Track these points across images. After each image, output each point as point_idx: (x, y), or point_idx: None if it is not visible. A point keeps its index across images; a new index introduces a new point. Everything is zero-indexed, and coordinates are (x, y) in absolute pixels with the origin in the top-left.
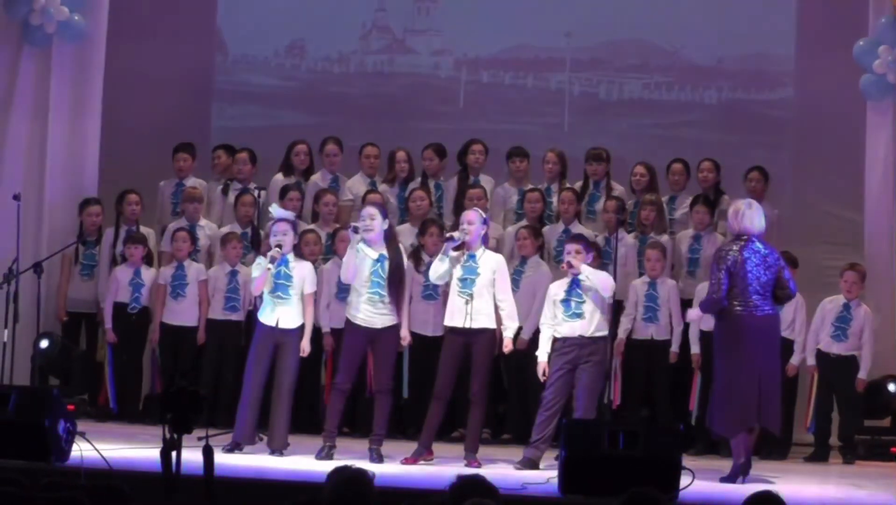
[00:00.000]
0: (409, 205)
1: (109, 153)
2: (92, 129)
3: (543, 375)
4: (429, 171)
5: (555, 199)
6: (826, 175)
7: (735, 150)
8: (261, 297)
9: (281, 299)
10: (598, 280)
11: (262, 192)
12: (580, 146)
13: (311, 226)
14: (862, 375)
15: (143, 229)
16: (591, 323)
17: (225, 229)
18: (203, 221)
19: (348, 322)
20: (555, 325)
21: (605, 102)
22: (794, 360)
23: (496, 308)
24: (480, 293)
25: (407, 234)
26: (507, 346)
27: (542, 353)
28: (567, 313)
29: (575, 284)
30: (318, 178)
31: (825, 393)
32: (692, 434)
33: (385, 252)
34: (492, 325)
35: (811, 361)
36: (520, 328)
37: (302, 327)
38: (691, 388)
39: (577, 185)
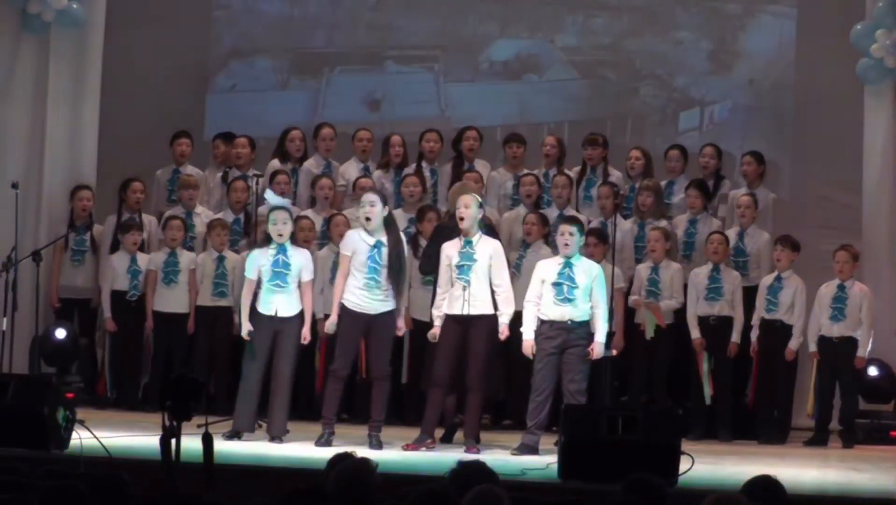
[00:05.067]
0: (402, 190)
1: (107, 141)
2: (90, 118)
3: (531, 352)
4: (430, 155)
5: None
6: (824, 159)
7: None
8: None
9: (279, 288)
10: (589, 266)
11: (260, 180)
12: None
13: (306, 212)
14: (861, 353)
15: (146, 217)
16: (579, 308)
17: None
18: (199, 209)
19: (343, 307)
20: (539, 304)
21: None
22: (793, 344)
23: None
24: (478, 279)
25: (400, 220)
26: (504, 331)
27: (528, 330)
28: (559, 297)
29: (568, 267)
30: (312, 165)
31: (827, 378)
32: (689, 419)
33: (383, 239)
34: (490, 310)
35: (813, 347)
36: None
37: (301, 314)
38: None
39: (576, 170)
